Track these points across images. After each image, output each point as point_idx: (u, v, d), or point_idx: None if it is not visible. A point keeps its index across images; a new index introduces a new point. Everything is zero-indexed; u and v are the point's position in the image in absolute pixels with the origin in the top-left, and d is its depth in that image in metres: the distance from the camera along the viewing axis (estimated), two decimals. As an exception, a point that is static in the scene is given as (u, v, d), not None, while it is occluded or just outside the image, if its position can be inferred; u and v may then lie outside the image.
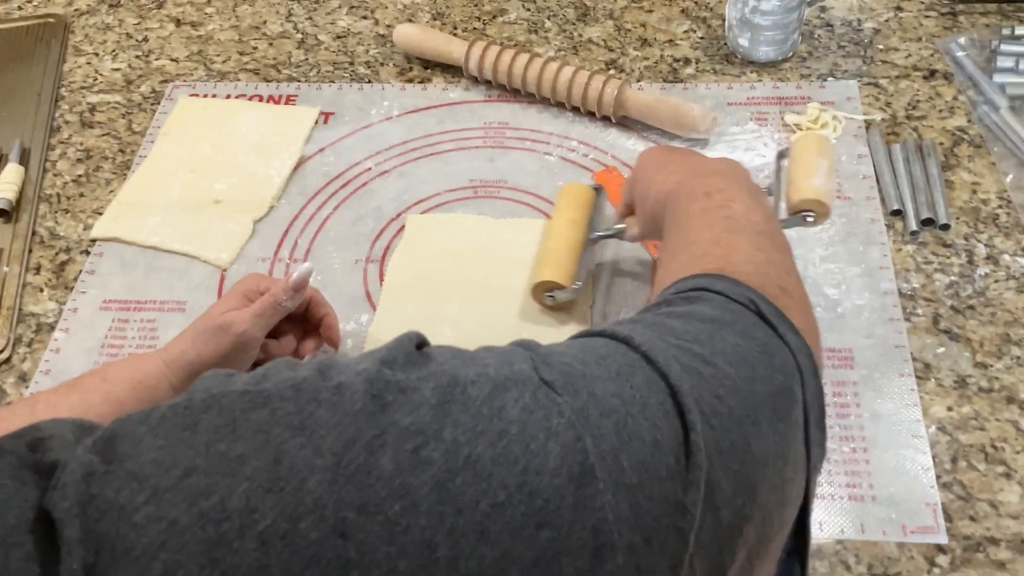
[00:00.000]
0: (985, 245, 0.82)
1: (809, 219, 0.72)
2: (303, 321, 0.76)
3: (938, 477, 0.68)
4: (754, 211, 0.57)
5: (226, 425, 0.33)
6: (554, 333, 0.78)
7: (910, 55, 0.99)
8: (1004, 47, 0.95)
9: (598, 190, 0.85)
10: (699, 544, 0.37)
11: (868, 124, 0.92)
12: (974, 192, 0.86)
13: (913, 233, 0.83)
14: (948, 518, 0.66)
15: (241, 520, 0.31)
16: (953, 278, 0.80)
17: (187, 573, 0.29)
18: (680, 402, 0.39)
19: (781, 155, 0.77)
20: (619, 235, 0.77)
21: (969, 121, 0.91)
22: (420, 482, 0.33)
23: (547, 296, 0.78)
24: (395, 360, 0.37)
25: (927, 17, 1.02)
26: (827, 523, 0.67)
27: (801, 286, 0.53)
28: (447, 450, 0.33)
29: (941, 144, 0.90)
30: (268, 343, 0.74)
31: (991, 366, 0.74)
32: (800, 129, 0.92)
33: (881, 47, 1.00)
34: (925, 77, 0.96)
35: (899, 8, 1.04)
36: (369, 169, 0.94)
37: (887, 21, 1.02)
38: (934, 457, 0.69)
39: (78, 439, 0.34)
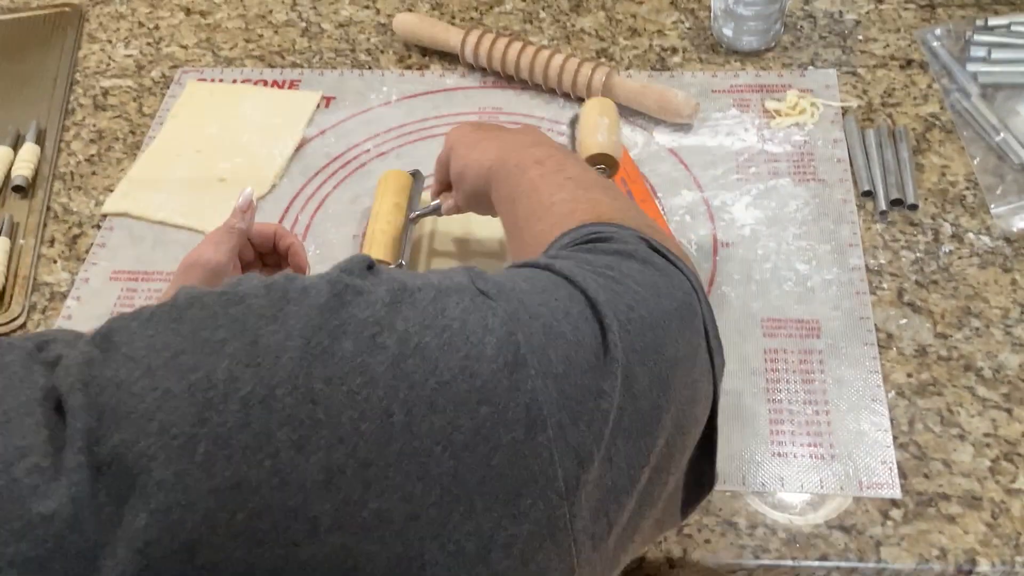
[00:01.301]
0: (951, 224, 0.85)
1: (601, 170, 0.78)
2: (278, 263, 0.82)
3: (895, 438, 0.72)
4: (587, 170, 0.64)
5: (208, 317, 0.38)
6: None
7: (888, 45, 1.02)
8: (977, 37, 0.99)
9: (415, 175, 0.90)
10: (620, 426, 0.42)
11: (845, 111, 0.96)
12: (943, 175, 0.89)
13: (882, 213, 0.87)
14: (903, 475, 0.70)
15: (225, 388, 0.35)
16: (919, 255, 0.84)
17: (180, 430, 0.34)
18: (598, 311, 0.44)
19: (572, 122, 0.83)
20: (436, 212, 0.82)
21: (941, 108, 0.95)
22: (377, 362, 0.38)
23: None
24: (352, 270, 0.42)
25: (906, 9, 1.06)
26: (789, 479, 0.71)
27: (657, 224, 0.59)
28: (399, 338, 0.38)
29: (914, 130, 0.94)
30: None
31: (951, 336, 0.78)
32: (780, 115, 0.96)
33: (861, 38, 1.04)
34: (902, 66, 1.00)
35: (880, 1, 1.08)
36: (368, 151, 0.99)
37: (868, 13, 1.06)
38: (892, 420, 0.73)
39: (77, 340, 0.39)
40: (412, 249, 0.86)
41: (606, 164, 0.78)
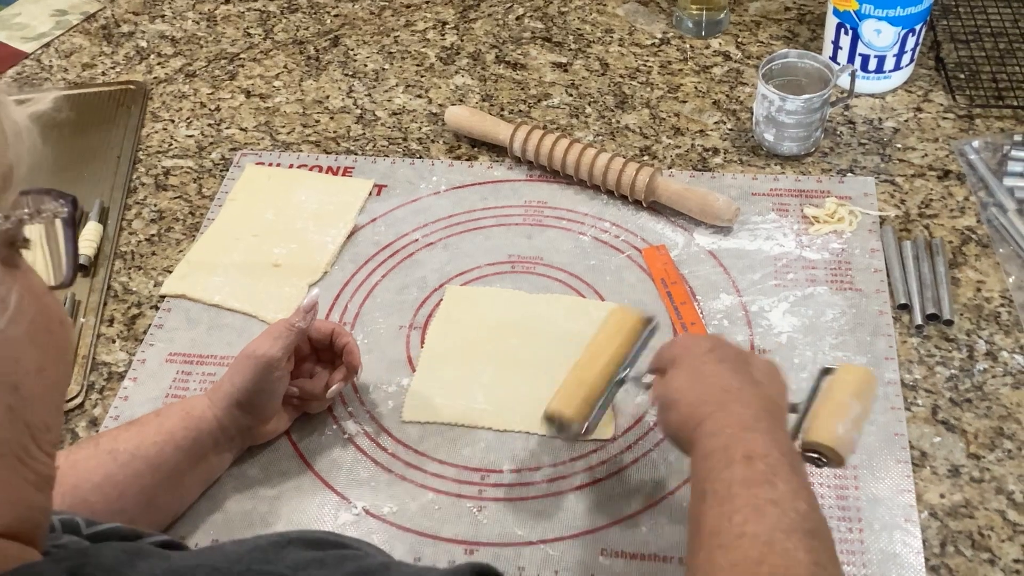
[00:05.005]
0: (986, 342, 0.87)
1: (820, 462, 0.67)
2: (332, 359, 0.85)
3: (927, 560, 0.73)
4: (799, 496, 0.56)
5: None
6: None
7: (926, 155, 1.05)
8: (1015, 152, 1.01)
9: (650, 321, 0.78)
10: None
11: (882, 220, 0.99)
12: (978, 290, 0.91)
13: (918, 327, 0.89)
14: (934, 599, 0.71)
15: None
16: (953, 371, 0.85)
17: None
18: None
19: (825, 372, 0.72)
20: (645, 388, 0.75)
21: (978, 221, 0.97)
22: None
23: (555, 426, 0.74)
24: None
25: (945, 119, 1.09)
26: (821, 597, 0.72)
27: None
28: None
29: (950, 242, 0.96)
30: (303, 382, 0.83)
31: (983, 457, 0.79)
32: (818, 222, 0.99)
33: (899, 146, 1.06)
34: (939, 177, 1.03)
35: (919, 109, 1.11)
36: (416, 240, 1.02)
37: (907, 121, 1.09)
38: (924, 541, 0.74)
39: None
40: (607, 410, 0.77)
41: (829, 457, 0.66)
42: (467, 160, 1.11)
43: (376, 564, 0.45)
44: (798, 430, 0.68)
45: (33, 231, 0.45)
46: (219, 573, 0.44)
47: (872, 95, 1.13)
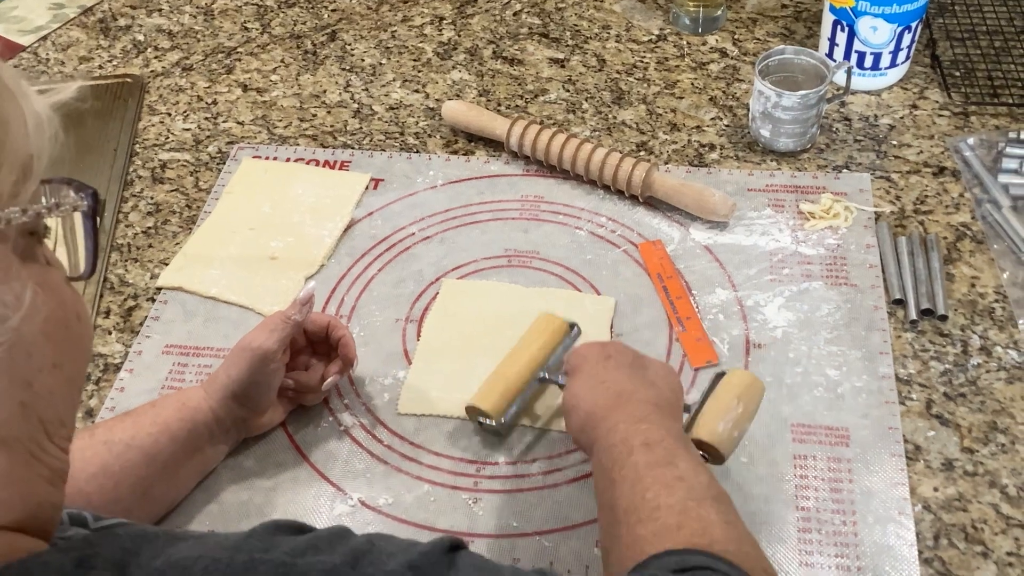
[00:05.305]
0: (980, 337, 0.88)
1: (706, 458, 0.72)
2: (328, 352, 0.85)
3: (920, 553, 0.74)
4: (699, 470, 0.61)
5: None
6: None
7: (922, 152, 1.05)
8: (1010, 149, 1.02)
9: (573, 327, 0.87)
10: None
11: (878, 216, 0.99)
12: (973, 286, 0.92)
13: (913, 322, 0.89)
14: (927, 591, 0.72)
15: None
16: (947, 366, 0.86)
17: None
18: None
19: (719, 376, 0.77)
20: (560, 387, 0.79)
21: (973, 218, 0.98)
22: None
23: (477, 419, 0.82)
24: (421, 567, 0.44)
25: (940, 116, 1.09)
26: (814, 589, 0.73)
27: (765, 558, 0.57)
28: None
29: (945, 238, 0.96)
30: (299, 375, 0.83)
31: (977, 451, 0.80)
32: (814, 217, 0.99)
33: (895, 143, 1.07)
34: (934, 173, 1.03)
35: (915, 107, 1.11)
36: (413, 234, 1.03)
37: (902, 118, 1.09)
38: (918, 534, 0.75)
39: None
40: (528, 407, 0.84)
41: (712, 456, 0.72)
42: (464, 155, 1.11)
43: (363, 541, 0.46)
44: (689, 427, 0.74)
45: (52, 221, 0.44)
46: (220, 564, 0.44)
47: (868, 92, 1.13)
